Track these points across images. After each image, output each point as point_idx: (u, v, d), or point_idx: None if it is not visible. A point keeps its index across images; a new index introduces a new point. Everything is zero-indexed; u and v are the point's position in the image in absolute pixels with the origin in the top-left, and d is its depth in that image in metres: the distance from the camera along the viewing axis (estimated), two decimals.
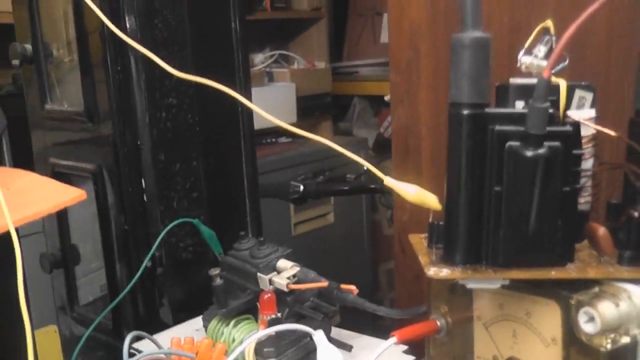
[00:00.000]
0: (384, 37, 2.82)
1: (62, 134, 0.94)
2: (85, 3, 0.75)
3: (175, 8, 0.88)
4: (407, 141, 0.99)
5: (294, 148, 2.24)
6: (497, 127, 0.50)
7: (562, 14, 0.88)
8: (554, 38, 0.54)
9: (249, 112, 0.95)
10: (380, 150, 2.79)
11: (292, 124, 2.23)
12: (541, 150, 0.49)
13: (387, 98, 1.11)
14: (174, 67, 0.88)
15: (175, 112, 0.89)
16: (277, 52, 2.41)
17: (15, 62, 0.94)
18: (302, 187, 1.64)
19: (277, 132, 2.26)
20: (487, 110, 0.51)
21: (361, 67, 2.78)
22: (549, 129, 0.49)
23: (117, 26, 0.79)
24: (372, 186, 1.76)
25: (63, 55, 0.94)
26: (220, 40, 0.95)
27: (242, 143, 0.96)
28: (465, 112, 0.50)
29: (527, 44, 0.57)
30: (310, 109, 2.36)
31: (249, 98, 0.98)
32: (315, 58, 2.51)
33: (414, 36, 0.97)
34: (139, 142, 0.86)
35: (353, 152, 2.09)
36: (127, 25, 0.85)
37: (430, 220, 0.57)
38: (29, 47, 0.94)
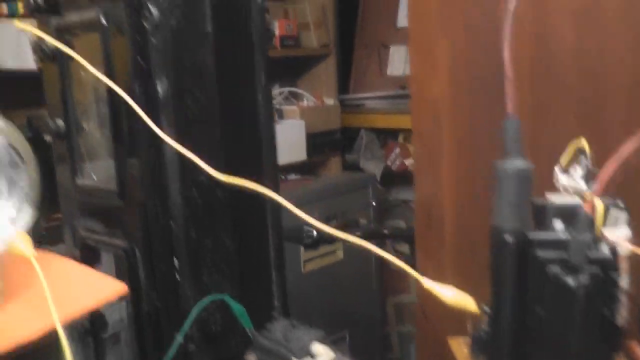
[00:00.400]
0: (391, 70, 2.86)
1: (93, 208, 0.96)
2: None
3: (205, 84, 0.91)
4: (430, 210, 1.01)
5: (303, 185, 2.26)
6: (539, 252, 0.52)
7: (583, 93, 0.90)
8: (589, 162, 0.57)
9: (275, 186, 0.97)
10: (388, 183, 2.81)
11: (302, 162, 2.28)
12: (582, 277, 0.51)
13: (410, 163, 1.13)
14: (202, 145, 0.91)
15: (206, 189, 0.91)
16: (287, 89, 2.44)
17: (48, 138, 0.96)
18: (315, 233, 1.66)
19: (287, 169, 2.29)
20: (529, 235, 0.53)
21: (368, 100, 2.81)
22: (588, 255, 0.51)
23: (149, 106, 0.82)
24: (385, 232, 1.79)
25: (93, 129, 0.96)
26: (247, 110, 0.97)
27: (268, 217, 0.98)
28: (508, 238, 0.52)
29: (562, 161, 0.59)
30: (319, 146, 2.39)
31: (275, 167, 1.00)
32: (324, 94, 2.54)
33: (436, 108, 0.99)
34: (171, 222, 0.88)
35: (362, 187, 2.12)
36: (160, 97, 0.87)
37: (469, 329, 0.59)
38: (61, 123, 0.96)
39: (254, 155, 0.98)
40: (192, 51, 0.89)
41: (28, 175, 0.40)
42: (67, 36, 0.94)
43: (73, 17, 0.93)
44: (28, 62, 0.71)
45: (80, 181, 0.97)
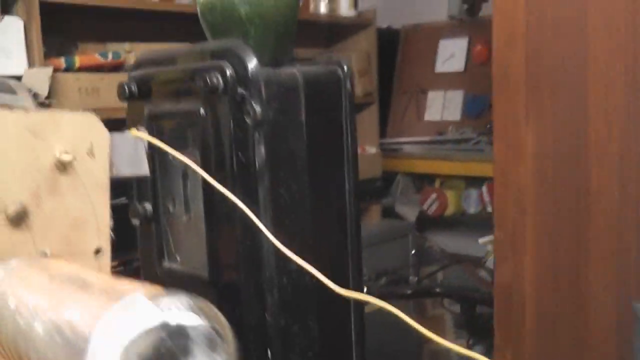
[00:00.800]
0: (429, 115, 2.87)
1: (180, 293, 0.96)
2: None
3: (298, 174, 0.91)
4: (510, 297, 1.01)
5: None
6: None
7: None
8: None
9: (359, 282, 0.98)
10: (423, 228, 2.81)
11: None
12: None
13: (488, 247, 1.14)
14: (294, 234, 0.91)
15: (295, 276, 0.92)
16: None
17: (136, 221, 0.97)
18: (365, 291, 1.66)
19: None
20: None
21: (405, 145, 2.83)
22: None
23: (247, 197, 0.83)
24: (437, 290, 1.79)
25: (179, 212, 0.97)
26: (335, 197, 0.98)
27: (351, 308, 0.98)
28: None
29: None
30: (360, 194, 2.38)
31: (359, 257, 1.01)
32: (366, 142, 2.55)
33: (520, 195, 1.00)
34: (264, 311, 0.89)
35: (402, 236, 2.09)
36: (258, 189, 0.87)
37: None
38: (149, 206, 0.97)
39: (340, 241, 0.98)
40: (287, 141, 0.90)
41: (227, 355, 0.41)
42: (158, 122, 0.95)
43: (166, 105, 0.94)
44: (142, 168, 0.72)
45: (167, 264, 0.98)
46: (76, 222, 0.71)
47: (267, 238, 0.88)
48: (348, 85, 0.97)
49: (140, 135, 0.72)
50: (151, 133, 0.93)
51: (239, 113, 0.85)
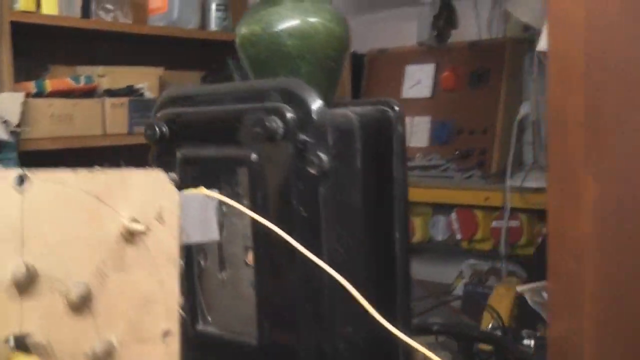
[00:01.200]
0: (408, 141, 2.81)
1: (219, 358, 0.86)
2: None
3: (353, 225, 0.83)
4: (566, 350, 0.95)
5: None
6: None
7: None
8: None
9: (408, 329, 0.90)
10: None
11: None
12: None
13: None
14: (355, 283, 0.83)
15: (351, 337, 0.83)
16: None
17: None
18: None
19: None
20: None
21: None
22: None
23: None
24: (435, 328, 1.71)
25: (213, 269, 0.87)
26: (385, 247, 0.90)
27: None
28: None
29: None
30: None
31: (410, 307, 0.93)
32: None
33: (579, 246, 0.93)
34: None
35: None
36: (322, 251, 0.79)
37: None
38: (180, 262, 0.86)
39: (389, 295, 0.90)
40: (344, 191, 0.81)
41: None
42: (194, 167, 0.85)
43: (206, 149, 0.84)
44: (213, 232, 0.62)
45: (201, 327, 0.87)
46: (143, 301, 0.60)
47: (331, 298, 0.78)
48: (400, 128, 0.89)
49: (211, 194, 0.62)
50: (184, 179, 0.82)
51: (300, 161, 0.75)
